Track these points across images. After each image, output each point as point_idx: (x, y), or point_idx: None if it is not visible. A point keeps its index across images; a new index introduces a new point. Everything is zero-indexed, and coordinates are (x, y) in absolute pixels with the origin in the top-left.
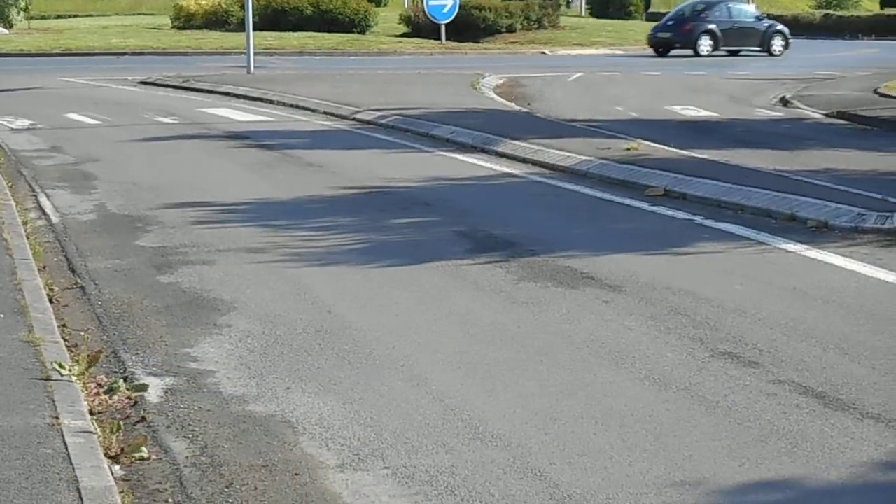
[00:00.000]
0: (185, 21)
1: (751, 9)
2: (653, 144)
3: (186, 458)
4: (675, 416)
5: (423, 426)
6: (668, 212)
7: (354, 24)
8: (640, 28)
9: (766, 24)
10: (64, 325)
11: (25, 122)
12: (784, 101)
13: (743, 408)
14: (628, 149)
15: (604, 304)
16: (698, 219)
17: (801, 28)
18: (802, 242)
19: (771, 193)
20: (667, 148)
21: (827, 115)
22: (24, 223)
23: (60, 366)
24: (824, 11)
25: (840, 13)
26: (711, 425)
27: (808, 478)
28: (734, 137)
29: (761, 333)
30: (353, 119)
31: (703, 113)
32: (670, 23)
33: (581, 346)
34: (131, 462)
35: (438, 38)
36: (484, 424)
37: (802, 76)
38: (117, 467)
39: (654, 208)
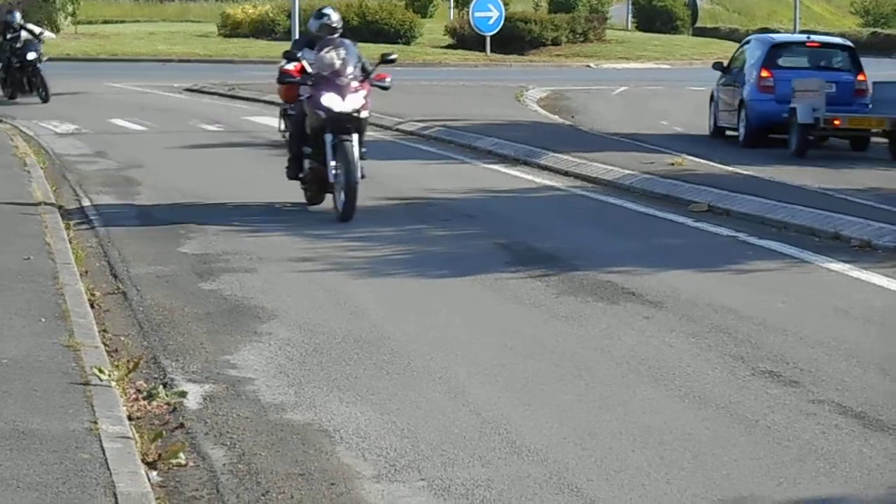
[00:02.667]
0: (231, 29)
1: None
2: (697, 160)
3: (224, 465)
4: (714, 434)
5: (459, 438)
6: (712, 228)
7: (400, 35)
8: (687, 42)
9: None
10: (104, 331)
11: (70, 127)
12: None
13: (782, 427)
14: (672, 164)
15: (644, 319)
16: (742, 235)
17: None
18: (845, 261)
19: (815, 211)
20: (711, 163)
21: (872, 134)
22: (67, 227)
23: (100, 371)
24: (871, 29)
25: (888, 31)
26: (750, 444)
27: (846, 498)
28: (778, 155)
29: (802, 352)
30: (397, 130)
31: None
32: None
33: (620, 361)
34: (168, 468)
35: (483, 49)
36: (521, 438)
37: None
38: (154, 473)
39: (698, 224)
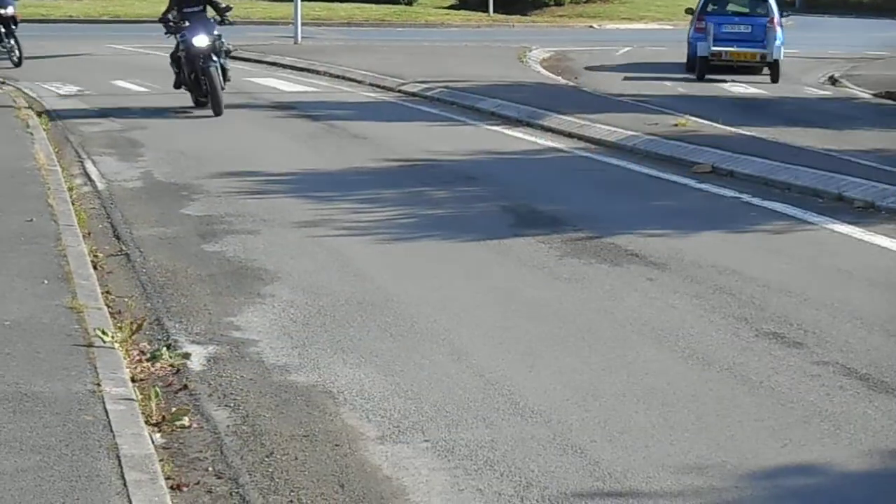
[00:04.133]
0: None
1: None
2: (700, 121)
3: (227, 426)
4: (717, 395)
5: (463, 400)
6: (715, 189)
7: None
8: (690, 2)
9: None
10: (108, 292)
11: (73, 89)
12: (833, 80)
13: (786, 388)
14: (676, 125)
15: (648, 281)
16: (745, 197)
17: (849, 8)
18: (849, 223)
19: (818, 173)
20: (714, 125)
21: (875, 95)
22: (70, 189)
23: (103, 332)
24: None
25: None
26: (754, 406)
27: (850, 460)
28: (782, 115)
29: (806, 314)
30: (399, 91)
31: (751, 90)
32: None
33: (624, 323)
34: (172, 430)
35: (486, 10)
36: (524, 400)
37: (851, 55)
38: (158, 435)
39: (701, 185)
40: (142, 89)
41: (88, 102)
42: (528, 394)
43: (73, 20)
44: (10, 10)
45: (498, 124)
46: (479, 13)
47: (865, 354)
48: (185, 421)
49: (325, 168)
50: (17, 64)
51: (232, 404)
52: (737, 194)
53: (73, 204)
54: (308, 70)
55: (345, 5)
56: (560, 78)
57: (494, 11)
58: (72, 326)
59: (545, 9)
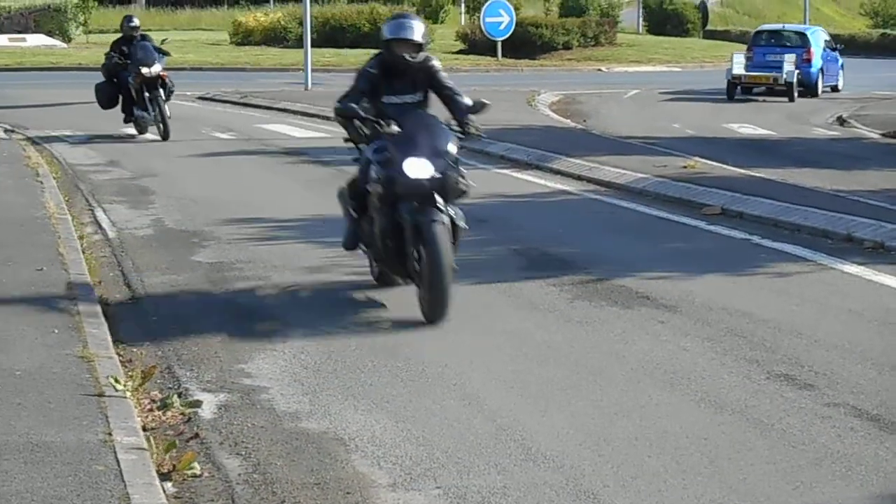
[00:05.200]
0: (243, 37)
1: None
2: (710, 162)
3: (239, 475)
4: (730, 438)
5: (475, 446)
6: (725, 231)
7: None
8: (697, 45)
9: None
10: (118, 341)
11: (83, 136)
12: (841, 121)
13: (798, 430)
14: (685, 167)
15: (659, 324)
16: (755, 238)
17: (857, 48)
18: (859, 263)
19: (828, 214)
20: (724, 166)
21: (884, 135)
22: (81, 238)
23: (115, 381)
24: (881, 31)
25: None
26: (766, 448)
27: (862, 501)
28: (791, 156)
29: (817, 355)
30: None
31: (759, 131)
32: None
33: (636, 366)
34: (183, 479)
35: (495, 54)
36: (536, 445)
37: (859, 95)
38: (169, 484)
39: (711, 227)
40: (152, 136)
41: (98, 150)
42: (540, 438)
43: (82, 67)
44: (156, 69)
45: (508, 168)
46: (488, 57)
47: (876, 395)
48: (197, 469)
49: (335, 213)
50: (164, 136)
51: (243, 452)
52: (747, 236)
53: (83, 252)
54: (318, 116)
55: (354, 51)
56: (569, 121)
57: (503, 56)
58: (83, 375)
59: (553, 52)
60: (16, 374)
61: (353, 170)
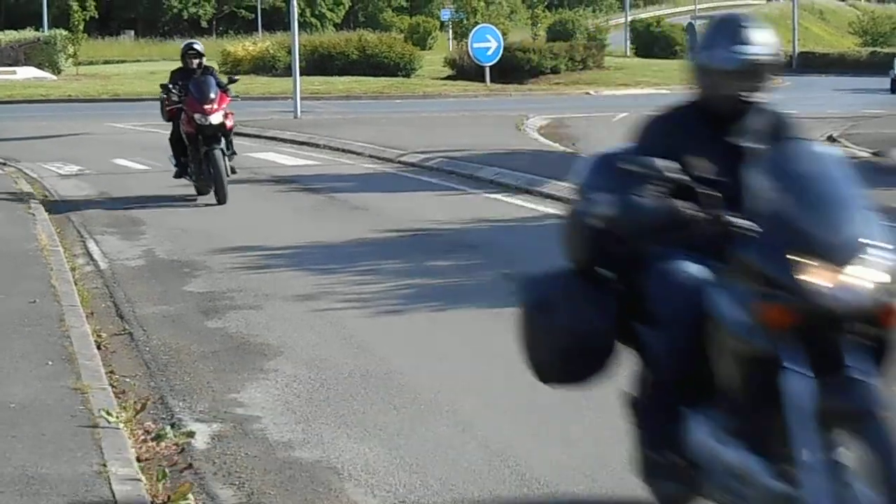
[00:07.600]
0: (232, 66)
1: None
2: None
3: None
4: None
5: (468, 473)
6: None
7: (399, 68)
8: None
9: None
10: (112, 372)
11: (73, 168)
12: (831, 139)
13: None
14: None
15: None
16: None
17: (847, 66)
18: None
19: None
20: None
21: (874, 154)
22: (73, 269)
23: (108, 413)
24: (871, 49)
25: (887, 50)
26: None
27: None
28: None
29: None
30: (399, 162)
31: None
32: None
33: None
34: None
35: (483, 80)
36: (531, 471)
37: (849, 114)
38: None
39: None
40: (142, 167)
41: (89, 181)
42: (535, 464)
43: (71, 99)
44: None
45: (497, 192)
46: (477, 83)
47: None
48: (191, 500)
49: (327, 240)
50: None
51: (237, 482)
52: None
53: (75, 284)
54: (308, 143)
55: (343, 79)
56: (558, 145)
57: (491, 81)
58: (77, 407)
59: (542, 77)
60: (10, 406)
61: (343, 196)
